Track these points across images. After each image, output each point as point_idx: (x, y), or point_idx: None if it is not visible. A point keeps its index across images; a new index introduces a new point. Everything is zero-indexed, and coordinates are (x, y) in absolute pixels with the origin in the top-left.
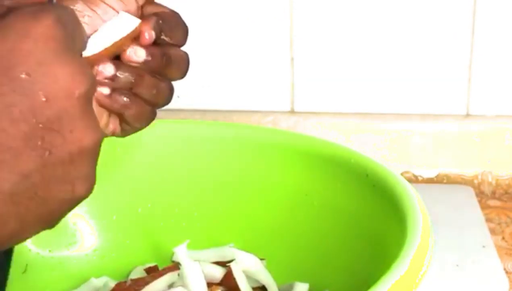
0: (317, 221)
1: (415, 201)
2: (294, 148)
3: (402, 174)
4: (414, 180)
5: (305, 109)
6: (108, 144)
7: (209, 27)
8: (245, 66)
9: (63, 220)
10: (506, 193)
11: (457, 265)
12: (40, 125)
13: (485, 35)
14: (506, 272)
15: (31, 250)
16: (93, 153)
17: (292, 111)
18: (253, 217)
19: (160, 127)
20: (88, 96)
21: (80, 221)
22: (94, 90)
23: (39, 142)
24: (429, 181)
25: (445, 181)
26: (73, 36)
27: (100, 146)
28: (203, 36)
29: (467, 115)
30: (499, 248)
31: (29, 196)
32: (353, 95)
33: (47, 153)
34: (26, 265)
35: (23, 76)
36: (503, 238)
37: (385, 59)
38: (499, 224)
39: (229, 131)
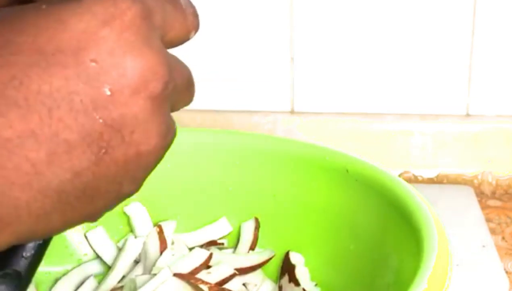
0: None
1: (414, 194)
2: (281, 153)
3: (402, 174)
4: (414, 180)
5: (305, 109)
6: None
7: (209, 27)
8: (245, 66)
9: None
10: (506, 193)
11: (457, 265)
12: (100, 120)
13: (485, 35)
14: (506, 272)
15: None
16: (151, 159)
17: (292, 111)
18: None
19: None
20: (158, 98)
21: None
22: (169, 91)
23: (96, 139)
24: (429, 181)
25: (445, 181)
26: (158, 27)
27: (162, 153)
28: (202, 36)
29: (467, 115)
30: (499, 248)
31: (76, 195)
32: (353, 95)
33: (102, 151)
34: None
35: (90, 63)
36: (503, 238)
37: (385, 59)
38: (499, 224)
39: (202, 137)
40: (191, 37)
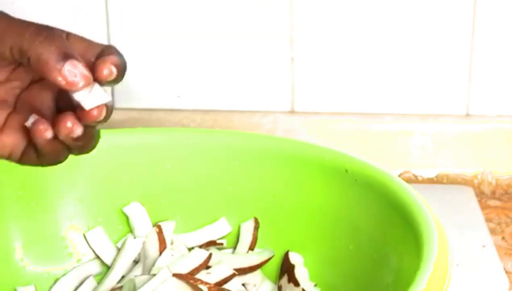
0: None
1: (410, 191)
2: (275, 152)
3: (402, 174)
4: (414, 180)
5: (305, 109)
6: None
7: (209, 27)
8: (245, 66)
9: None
10: (506, 193)
11: (457, 265)
12: None
13: (485, 35)
14: (506, 272)
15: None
16: None
17: (292, 111)
18: None
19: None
20: None
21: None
22: None
23: None
24: (429, 181)
25: (445, 181)
26: None
27: None
28: (203, 35)
29: (467, 115)
30: (499, 248)
31: None
32: (353, 95)
33: None
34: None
35: None
36: (503, 238)
37: (385, 59)
38: (499, 224)
39: (202, 137)
40: None
